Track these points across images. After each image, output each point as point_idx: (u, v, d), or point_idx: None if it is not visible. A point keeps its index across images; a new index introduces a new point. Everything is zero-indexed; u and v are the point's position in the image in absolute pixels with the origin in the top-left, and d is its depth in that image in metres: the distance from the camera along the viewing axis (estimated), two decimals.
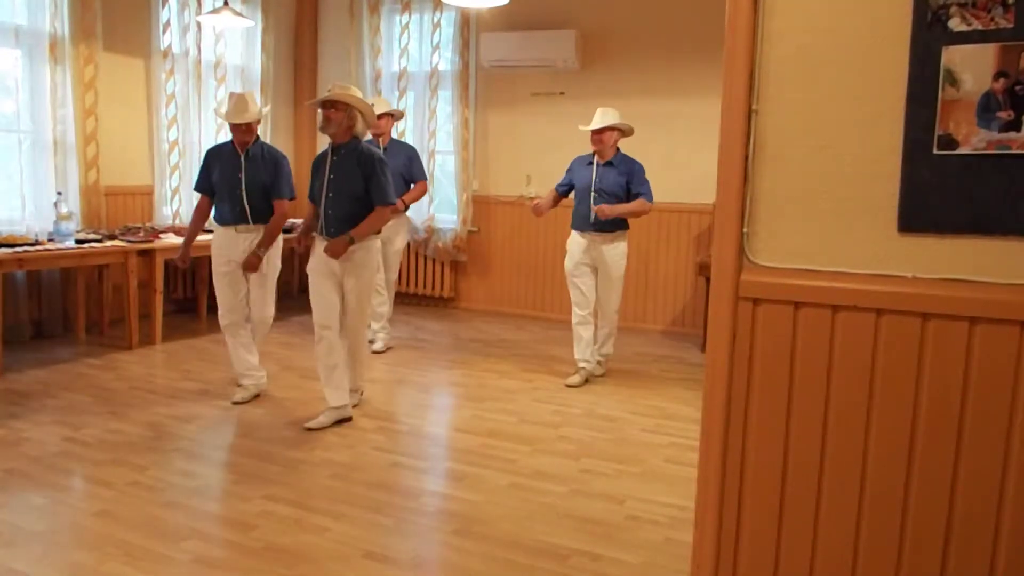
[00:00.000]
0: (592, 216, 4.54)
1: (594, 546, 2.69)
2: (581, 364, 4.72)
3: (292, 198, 4.24)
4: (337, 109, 3.68)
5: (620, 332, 6.16)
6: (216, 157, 4.19)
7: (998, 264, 1.59)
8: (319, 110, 3.76)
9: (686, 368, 5.19)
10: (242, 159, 4.09)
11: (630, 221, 4.67)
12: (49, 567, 2.46)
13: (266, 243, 4.10)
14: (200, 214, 4.30)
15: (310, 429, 3.75)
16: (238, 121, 4.04)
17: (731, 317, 1.78)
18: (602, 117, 4.55)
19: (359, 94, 3.78)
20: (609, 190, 4.54)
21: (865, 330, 1.68)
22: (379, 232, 3.89)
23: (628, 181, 4.54)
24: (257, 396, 4.26)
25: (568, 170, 4.80)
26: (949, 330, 1.62)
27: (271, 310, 4.28)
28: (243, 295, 4.18)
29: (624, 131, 4.63)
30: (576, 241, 4.68)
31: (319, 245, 3.81)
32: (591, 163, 4.64)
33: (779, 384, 1.76)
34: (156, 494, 3.02)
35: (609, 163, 4.59)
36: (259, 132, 4.23)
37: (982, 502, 1.63)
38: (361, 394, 4.17)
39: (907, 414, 1.67)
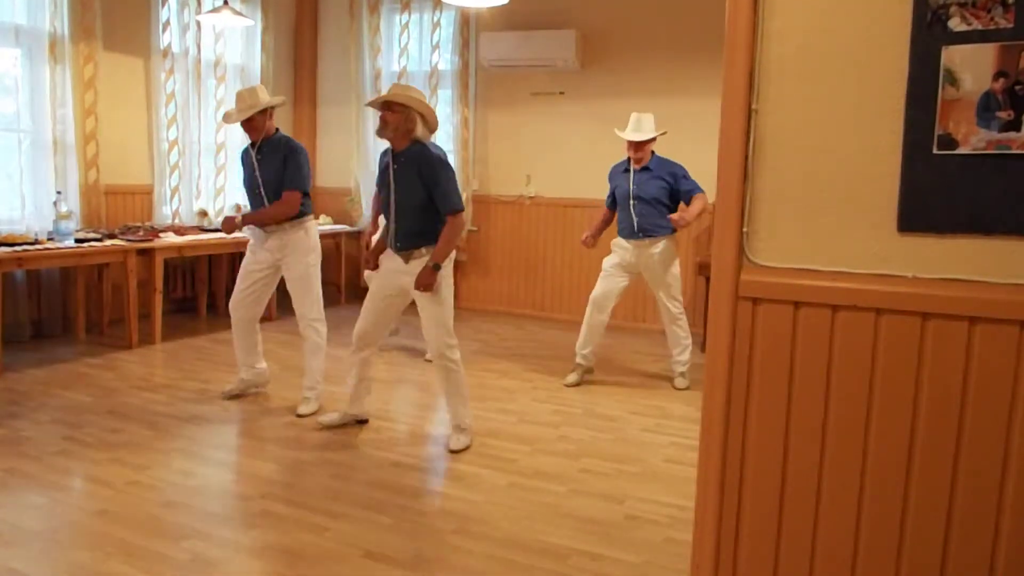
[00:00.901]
0: (636, 223, 4.50)
1: (594, 546, 2.69)
2: (579, 359, 4.73)
3: (303, 191, 3.98)
4: (394, 111, 3.36)
5: (620, 332, 6.19)
6: (244, 158, 4.11)
7: (998, 264, 1.59)
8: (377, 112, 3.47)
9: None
10: (255, 157, 4.00)
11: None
12: (49, 567, 2.46)
13: (252, 218, 3.94)
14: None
15: (327, 426, 3.81)
16: (231, 123, 3.99)
17: (731, 317, 1.78)
18: (639, 124, 4.47)
19: (420, 95, 3.47)
20: (648, 196, 4.49)
21: (865, 330, 1.68)
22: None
23: (671, 185, 4.49)
24: (248, 391, 4.31)
25: (609, 181, 4.75)
26: (949, 330, 1.62)
27: (314, 312, 4.07)
28: (254, 294, 4.09)
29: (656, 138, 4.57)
30: (621, 246, 4.63)
31: (389, 258, 3.59)
32: (627, 169, 4.59)
33: (779, 384, 1.76)
34: (156, 494, 3.02)
35: (646, 168, 4.53)
36: (276, 125, 4.05)
37: (982, 502, 1.63)
38: (465, 434, 3.64)
39: (907, 414, 1.67)
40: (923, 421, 1.66)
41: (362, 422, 3.90)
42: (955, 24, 1.57)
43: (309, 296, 4.06)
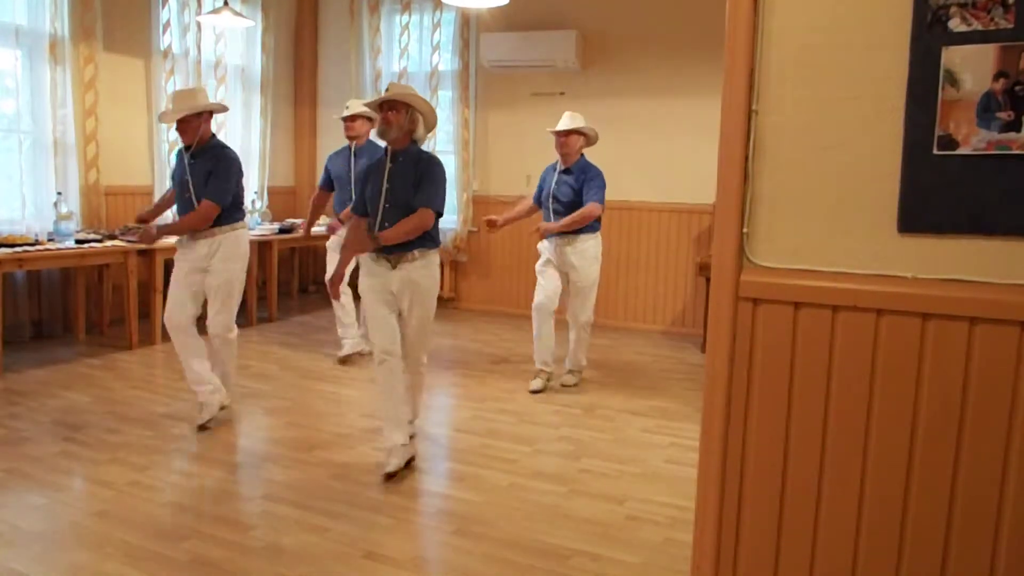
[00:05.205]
0: (547, 219, 4.56)
1: (594, 546, 2.69)
2: (540, 367, 4.60)
3: (222, 204, 3.77)
4: (397, 111, 3.28)
5: (620, 332, 6.20)
6: (178, 158, 3.98)
7: (998, 264, 1.59)
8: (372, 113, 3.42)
9: (686, 368, 5.19)
10: (186, 161, 3.84)
11: (599, 222, 4.56)
12: (49, 567, 2.46)
13: (167, 230, 3.86)
14: (165, 205, 4.17)
15: (389, 475, 3.26)
16: (166, 122, 3.89)
17: (731, 317, 1.78)
18: (570, 120, 4.49)
19: (418, 93, 3.41)
20: (562, 198, 4.50)
21: (865, 330, 1.68)
22: (439, 245, 3.47)
23: (581, 184, 4.45)
24: (207, 409, 3.84)
25: (540, 179, 4.77)
26: (949, 330, 1.62)
27: (229, 321, 3.90)
28: (191, 300, 3.85)
29: (589, 137, 4.54)
30: (544, 246, 4.66)
31: (370, 261, 3.41)
32: (554, 170, 4.63)
33: (779, 384, 1.76)
34: (156, 494, 3.02)
35: (568, 170, 4.53)
36: (217, 128, 3.96)
37: (982, 502, 1.63)
38: (413, 427, 3.62)
39: (907, 414, 1.67)
40: (923, 421, 1.66)
41: (410, 460, 3.41)
42: (955, 25, 1.57)
43: (228, 304, 3.90)
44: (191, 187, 3.80)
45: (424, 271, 3.38)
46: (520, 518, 2.90)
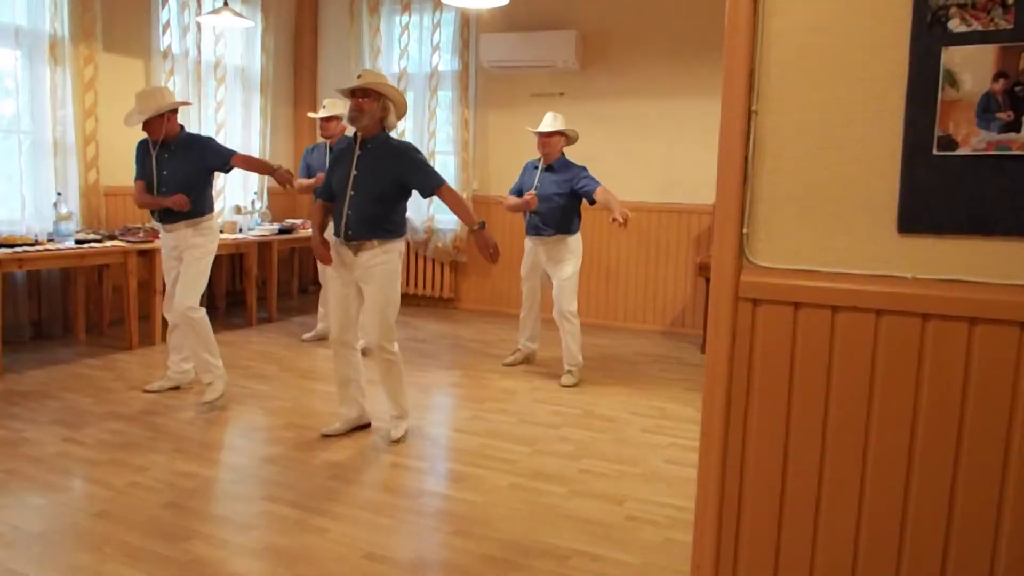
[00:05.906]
0: (533, 220, 4.70)
1: (594, 546, 2.69)
2: (520, 346, 5.15)
3: (237, 151, 4.24)
4: (370, 98, 3.38)
5: (620, 332, 6.20)
6: (140, 152, 4.15)
7: (998, 264, 1.59)
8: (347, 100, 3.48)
9: (686, 368, 5.19)
10: (154, 156, 4.04)
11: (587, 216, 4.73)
12: (49, 567, 2.46)
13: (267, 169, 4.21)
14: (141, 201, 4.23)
15: (326, 435, 3.70)
16: (130, 125, 4.03)
17: (731, 318, 1.78)
18: (552, 121, 4.66)
19: (389, 81, 3.51)
20: (546, 194, 4.63)
21: (865, 330, 1.68)
22: (403, 235, 3.59)
23: (570, 182, 4.61)
24: (175, 388, 4.36)
25: (520, 175, 4.91)
26: (949, 330, 1.62)
27: (189, 301, 4.01)
28: (174, 286, 4.19)
29: (570, 137, 4.73)
30: (527, 245, 4.88)
31: (337, 246, 3.54)
32: (536, 167, 4.78)
33: (779, 384, 1.76)
34: (156, 494, 3.02)
35: (549, 167, 4.70)
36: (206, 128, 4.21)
37: (982, 502, 1.63)
38: (404, 421, 3.76)
39: (907, 414, 1.67)
40: (923, 422, 1.66)
41: (364, 426, 3.84)
42: (955, 25, 1.57)
43: (185, 283, 4.06)
44: (159, 180, 4.02)
45: (384, 257, 3.49)
46: (520, 518, 2.90)
